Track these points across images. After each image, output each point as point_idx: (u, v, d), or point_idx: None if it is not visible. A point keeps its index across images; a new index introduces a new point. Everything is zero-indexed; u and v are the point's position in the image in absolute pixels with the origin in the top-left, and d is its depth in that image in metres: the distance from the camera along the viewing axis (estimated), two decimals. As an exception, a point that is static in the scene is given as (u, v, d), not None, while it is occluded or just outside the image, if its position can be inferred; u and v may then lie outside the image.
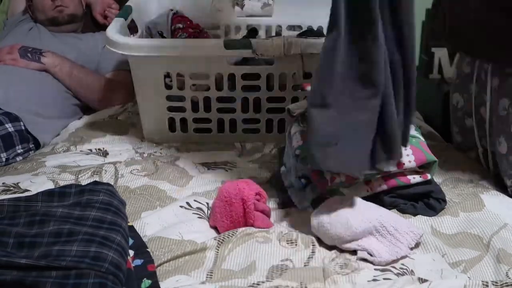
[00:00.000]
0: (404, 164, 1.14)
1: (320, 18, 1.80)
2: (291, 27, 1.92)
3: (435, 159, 1.16)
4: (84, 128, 1.61)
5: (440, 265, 1.00)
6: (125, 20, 1.54)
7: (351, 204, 1.05)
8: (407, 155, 1.15)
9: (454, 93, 1.44)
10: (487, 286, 0.90)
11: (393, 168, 1.14)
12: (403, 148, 1.11)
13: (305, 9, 1.83)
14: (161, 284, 0.94)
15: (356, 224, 1.02)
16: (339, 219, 1.02)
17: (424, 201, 1.17)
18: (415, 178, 1.16)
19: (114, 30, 1.43)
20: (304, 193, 1.19)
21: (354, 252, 1.03)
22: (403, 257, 1.01)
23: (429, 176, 1.16)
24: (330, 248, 1.05)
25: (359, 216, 1.03)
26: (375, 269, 0.98)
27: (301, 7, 1.84)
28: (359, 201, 1.08)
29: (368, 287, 0.93)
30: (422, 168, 1.16)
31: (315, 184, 1.16)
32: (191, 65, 1.42)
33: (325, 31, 1.75)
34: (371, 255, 1.00)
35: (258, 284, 0.94)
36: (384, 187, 1.16)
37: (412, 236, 1.03)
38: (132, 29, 1.62)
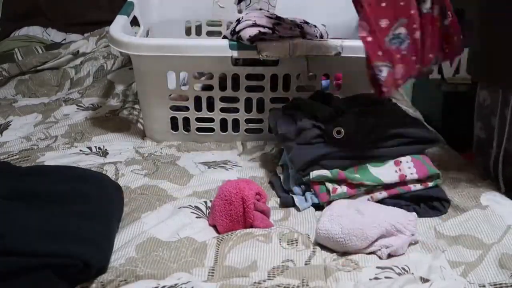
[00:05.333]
0: (406, 176, 1.15)
1: (323, 14, 1.80)
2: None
3: (437, 171, 1.17)
4: (85, 124, 1.60)
5: (439, 263, 1.00)
6: (128, 17, 1.54)
7: (358, 212, 1.05)
8: (409, 167, 1.16)
9: (482, 90, 1.36)
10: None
11: (395, 180, 1.15)
12: (405, 161, 1.15)
13: (307, 5, 1.83)
14: (163, 282, 0.94)
15: (371, 233, 1.01)
16: (353, 232, 1.02)
17: (427, 203, 1.17)
18: (415, 186, 1.16)
19: (117, 28, 1.42)
20: (304, 197, 1.19)
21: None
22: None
23: (430, 185, 1.17)
24: (331, 249, 1.05)
25: (371, 224, 1.02)
26: (376, 267, 0.98)
27: (303, 2, 1.83)
28: (364, 205, 1.08)
29: (369, 285, 0.94)
30: (425, 179, 1.17)
31: (316, 194, 1.17)
32: (195, 65, 1.41)
33: (327, 28, 1.75)
34: (387, 247, 1.02)
35: (259, 283, 0.94)
36: (385, 194, 1.16)
37: (412, 223, 1.05)
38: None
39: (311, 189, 1.18)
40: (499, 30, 1.21)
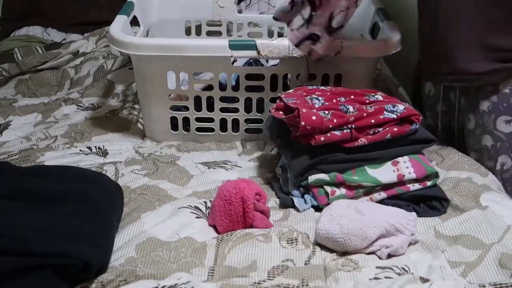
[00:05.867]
0: (404, 176, 1.15)
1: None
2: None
3: (435, 170, 1.17)
4: (85, 124, 1.60)
5: (439, 263, 1.00)
6: (128, 17, 1.54)
7: (358, 212, 1.05)
8: (407, 167, 1.16)
9: (426, 82, 1.55)
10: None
11: (393, 180, 1.15)
12: (402, 161, 1.16)
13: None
14: (163, 282, 0.94)
15: (371, 233, 1.02)
16: (353, 232, 1.02)
17: (426, 203, 1.17)
18: (414, 186, 1.17)
19: (117, 28, 1.42)
20: (303, 199, 1.19)
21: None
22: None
23: (428, 184, 1.17)
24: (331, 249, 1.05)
25: (371, 224, 1.02)
26: (376, 267, 0.98)
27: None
28: (363, 205, 1.08)
29: (369, 285, 0.94)
30: (423, 178, 1.18)
31: (315, 197, 1.17)
32: (195, 65, 1.41)
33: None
34: (387, 247, 1.02)
35: (259, 283, 0.94)
36: (384, 195, 1.17)
37: (412, 223, 1.05)
38: None
39: (310, 192, 1.18)
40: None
